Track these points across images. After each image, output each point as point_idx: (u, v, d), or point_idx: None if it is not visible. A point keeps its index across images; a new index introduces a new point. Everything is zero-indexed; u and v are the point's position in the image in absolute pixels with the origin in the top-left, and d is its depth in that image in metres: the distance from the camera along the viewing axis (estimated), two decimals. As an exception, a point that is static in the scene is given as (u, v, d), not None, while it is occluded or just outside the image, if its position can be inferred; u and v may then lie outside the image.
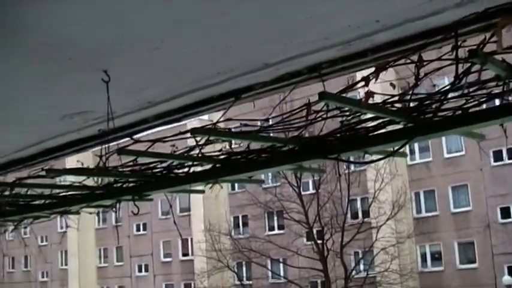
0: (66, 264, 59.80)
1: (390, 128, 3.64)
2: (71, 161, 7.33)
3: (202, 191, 5.59)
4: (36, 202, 6.35)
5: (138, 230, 55.08)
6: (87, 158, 5.88)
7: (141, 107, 4.93)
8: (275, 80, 4.42)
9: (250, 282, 43.36)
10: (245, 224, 48.18)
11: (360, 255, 38.33)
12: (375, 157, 3.82)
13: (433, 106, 3.40)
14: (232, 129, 4.55)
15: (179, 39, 3.75)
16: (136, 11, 3.34)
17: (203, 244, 43.57)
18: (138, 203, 5.32)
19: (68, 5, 3.20)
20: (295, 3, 3.42)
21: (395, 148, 3.67)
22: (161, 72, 4.32)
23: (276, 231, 45.51)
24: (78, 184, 5.56)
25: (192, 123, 6.88)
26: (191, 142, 4.65)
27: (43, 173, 5.18)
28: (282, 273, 42.32)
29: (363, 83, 3.45)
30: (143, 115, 5.16)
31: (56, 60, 3.90)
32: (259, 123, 4.53)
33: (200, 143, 4.48)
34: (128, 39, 3.71)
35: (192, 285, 49.15)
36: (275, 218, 45.31)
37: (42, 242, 58.80)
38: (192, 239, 47.92)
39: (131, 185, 5.25)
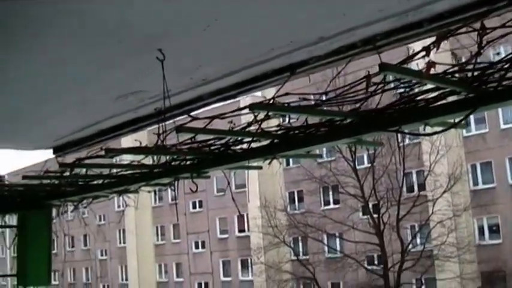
0: (124, 243, 60.80)
1: (450, 99, 3.56)
2: (125, 141, 7.40)
3: (260, 167, 5.59)
4: (95, 182, 6.44)
5: (194, 207, 55.50)
6: (141, 137, 5.90)
7: (196, 84, 4.93)
8: (330, 53, 4.38)
9: (307, 257, 43.39)
10: (300, 199, 48.13)
11: (416, 229, 38.01)
12: (435, 129, 3.75)
13: (495, 75, 3.31)
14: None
15: (233, 17, 3.73)
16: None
17: (259, 220, 43.70)
18: (194, 181, 5.33)
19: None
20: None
21: (458, 119, 3.59)
22: (215, 50, 4.31)
23: (332, 206, 45.36)
24: (136, 163, 5.60)
25: (245, 100, 6.86)
26: (245, 119, 4.63)
27: (102, 153, 5.22)
28: (338, 248, 42.32)
29: (423, 53, 3.37)
30: (198, 92, 5.16)
31: (110, 43, 3.92)
32: (315, 97, 4.49)
33: (258, 118, 4.44)
34: (182, 18, 3.70)
35: (249, 261, 49.51)
36: (330, 192, 45.16)
37: (100, 221, 59.86)
38: (247, 215, 48.14)
39: (189, 162, 5.26)
